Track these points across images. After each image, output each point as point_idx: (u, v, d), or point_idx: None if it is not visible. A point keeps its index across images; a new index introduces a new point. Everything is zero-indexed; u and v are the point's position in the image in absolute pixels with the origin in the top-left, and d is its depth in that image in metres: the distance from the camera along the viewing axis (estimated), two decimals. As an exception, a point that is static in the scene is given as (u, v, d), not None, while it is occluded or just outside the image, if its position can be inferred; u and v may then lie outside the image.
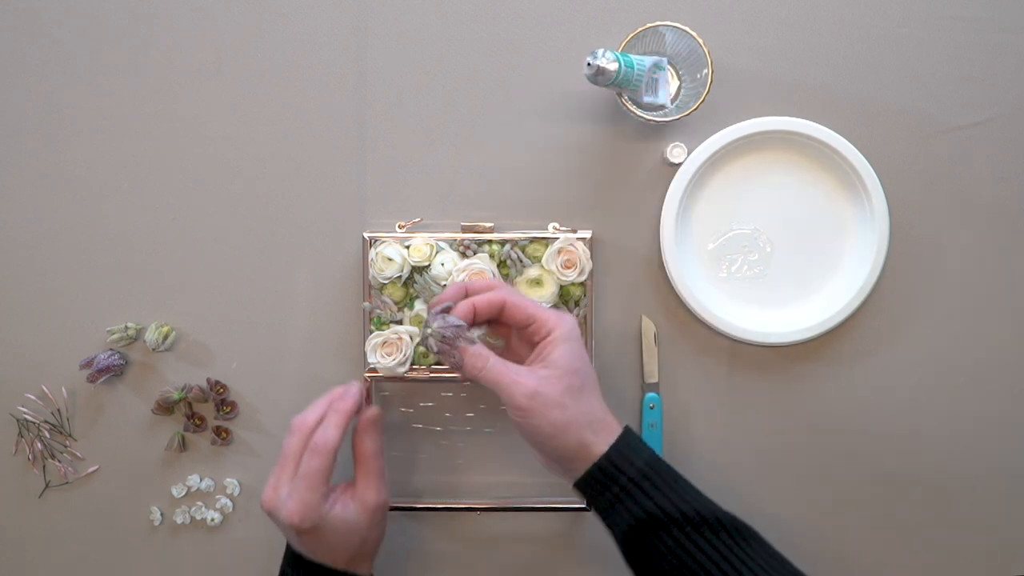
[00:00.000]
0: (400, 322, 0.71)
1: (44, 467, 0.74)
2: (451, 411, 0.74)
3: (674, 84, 0.72)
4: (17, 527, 0.74)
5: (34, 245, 0.74)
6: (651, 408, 0.72)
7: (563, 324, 0.61)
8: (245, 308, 0.74)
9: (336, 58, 0.73)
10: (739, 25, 0.73)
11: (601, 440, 0.59)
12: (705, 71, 0.67)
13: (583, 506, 0.73)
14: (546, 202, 0.73)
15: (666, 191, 0.71)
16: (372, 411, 0.66)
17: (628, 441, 0.60)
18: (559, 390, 0.59)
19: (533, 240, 0.71)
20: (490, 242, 0.71)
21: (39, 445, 0.74)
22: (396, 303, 0.71)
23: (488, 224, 0.71)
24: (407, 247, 0.70)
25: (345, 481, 0.66)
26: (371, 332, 0.71)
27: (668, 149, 0.72)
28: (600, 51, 0.62)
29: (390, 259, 0.70)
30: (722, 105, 0.72)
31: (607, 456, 0.59)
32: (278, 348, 0.72)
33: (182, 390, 0.73)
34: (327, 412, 0.64)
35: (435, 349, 0.61)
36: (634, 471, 0.58)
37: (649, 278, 0.73)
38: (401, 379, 0.71)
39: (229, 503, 0.74)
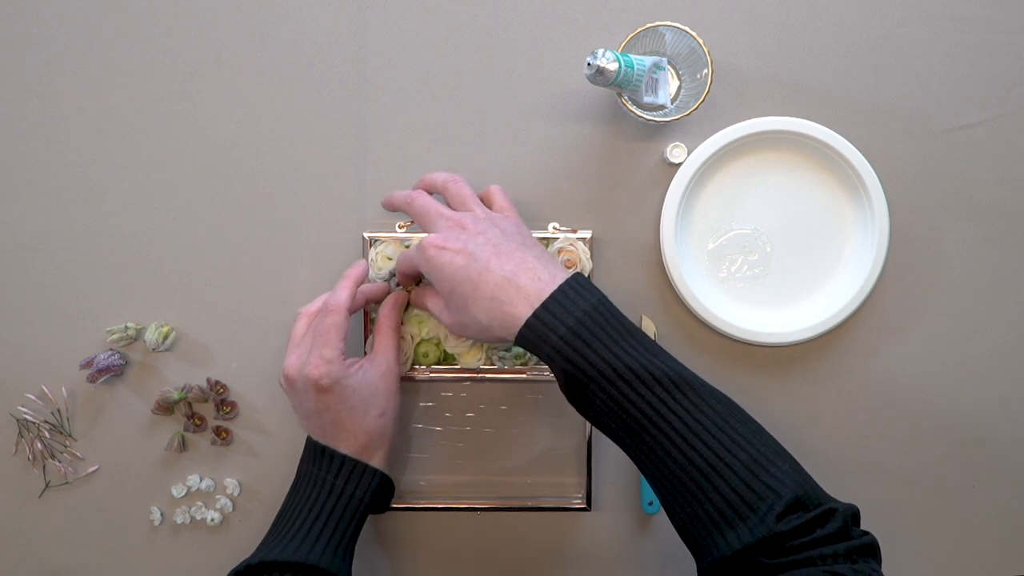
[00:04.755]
0: (401, 324, 0.71)
1: (44, 467, 0.74)
2: (451, 411, 0.74)
3: (674, 84, 0.72)
4: (17, 527, 0.74)
5: (34, 245, 0.74)
6: (651, 408, 0.72)
7: (421, 265, 0.62)
8: (245, 308, 0.74)
9: (336, 58, 0.73)
10: (739, 25, 0.73)
11: (520, 312, 0.58)
12: (705, 71, 0.67)
13: (583, 506, 0.73)
14: (546, 202, 0.73)
15: (666, 191, 0.71)
16: (400, 292, 0.70)
17: (551, 306, 0.58)
18: (452, 320, 0.62)
19: (533, 240, 0.71)
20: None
21: (39, 445, 0.74)
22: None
23: (488, 224, 0.71)
24: (407, 247, 0.70)
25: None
26: (371, 331, 0.71)
27: (668, 149, 0.72)
28: (600, 51, 0.62)
29: (390, 259, 0.71)
30: (722, 105, 0.72)
31: (528, 324, 0.58)
32: (278, 348, 0.71)
33: (182, 390, 0.73)
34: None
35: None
36: (564, 329, 0.57)
37: (649, 278, 0.73)
38: (401, 379, 0.71)
39: (229, 503, 0.74)
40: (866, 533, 0.55)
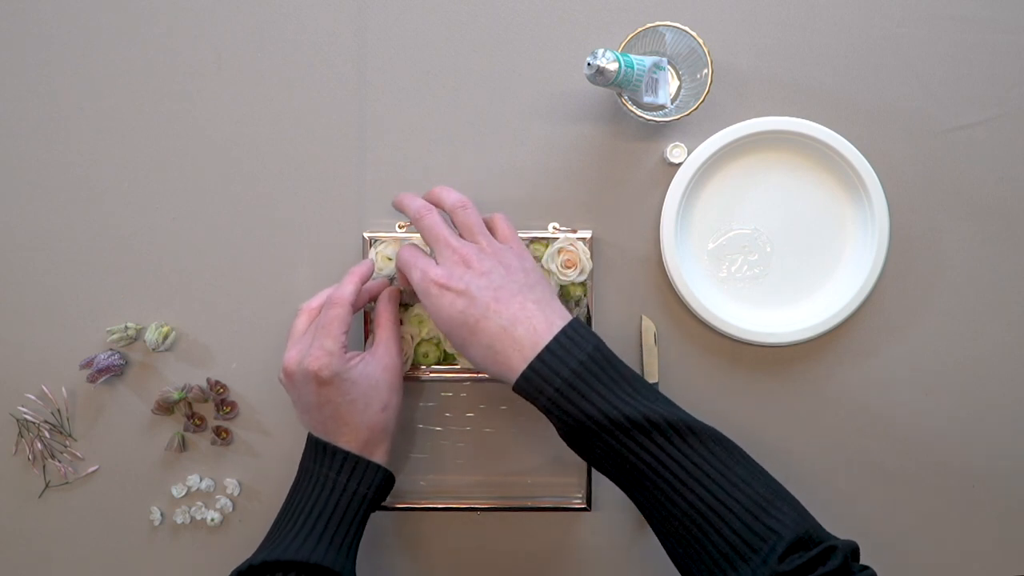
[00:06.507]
0: (400, 322, 0.71)
1: (44, 467, 0.74)
2: (451, 411, 0.74)
3: (674, 84, 0.72)
4: (17, 527, 0.74)
5: (34, 245, 0.74)
6: (651, 408, 0.72)
7: (421, 298, 0.62)
8: (245, 308, 0.74)
9: (336, 58, 0.73)
10: (739, 25, 0.73)
11: (515, 364, 0.59)
12: (705, 71, 0.67)
13: (583, 506, 0.73)
14: (546, 202, 0.73)
15: (666, 191, 0.71)
16: (393, 287, 0.70)
17: (546, 358, 0.58)
18: (457, 345, 0.62)
19: (533, 240, 0.71)
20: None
21: (39, 445, 0.74)
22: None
23: (488, 224, 0.71)
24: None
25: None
26: (371, 329, 0.71)
27: (668, 149, 0.72)
28: (600, 51, 0.62)
29: (390, 259, 0.71)
30: (722, 105, 0.72)
31: (524, 376, 0.59)
32: (278, 348, 0.71)
33: (182, 390, 0.73)
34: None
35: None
36: (560, 381, 0.58)
37: (649, 278, 0.73)
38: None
39: (229, 503, 0.74)
40: (866, 568, 0.56)
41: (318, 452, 0.65)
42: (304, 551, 0.61)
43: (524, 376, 0.59)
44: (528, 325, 0.59)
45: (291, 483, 0.67)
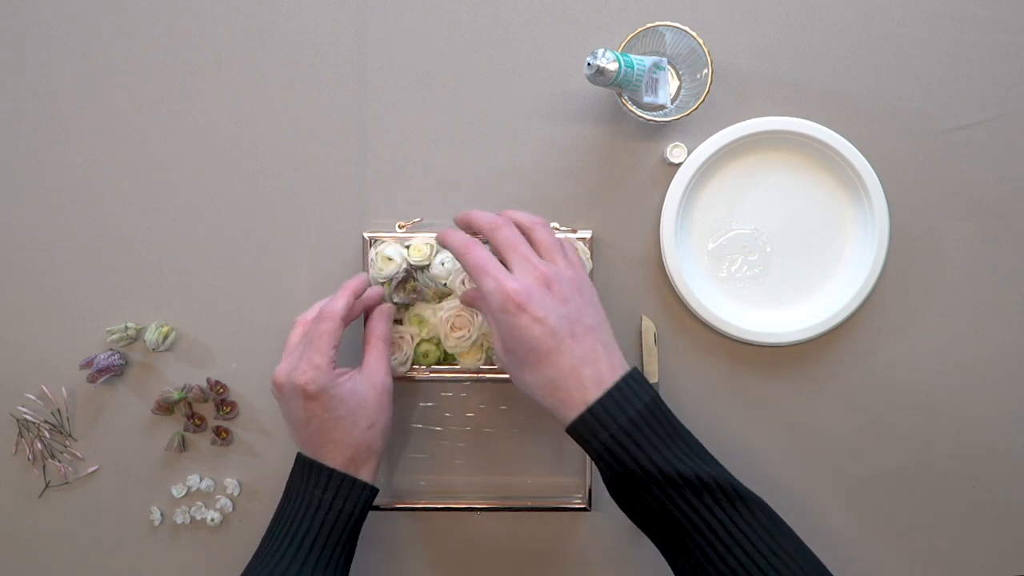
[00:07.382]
0: (400, 321, 0.71)
1: (44, 467, 0.74)
2: (451, 411, 0.74)
3: (674, 84, 0.72)
4: (17, 527, 0.74)
5: (34, 245, 0.74)
6: (651, 408, 0.72)
7: (488, 305, 0.60)
8: (245, 308, 0.74)
9: (336, 58, 0.73)
10: (739, 25, 0.73)
11: (575, 403, 0.58)
12: (705, 71, 0.67)
13: (583, 506, 0.73)
14: (546, 202, 0.73)
15: (666, 191, 0.71)
16: (386, 304, 0.70)
17: (607, 403, 0.58)
18: (510, 369, 0.61)
19: (533, 240, 0.71)
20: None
21: (39, 445, 0.74)
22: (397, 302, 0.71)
23: (488, 224, 0.71)
24: (407, 247, 0.70)
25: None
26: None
27: (668, 149, 0.72)
28: (600, 51, 0.62)
29: (390, 259, 0.71)
30: (722, 105, 0.72)
31: (581, 418, 0.58)
32: (278, 348, 0.71)
33: (182, 390, 0.73)
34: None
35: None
36: (616, 428, 0.57)
37: (649, 278, 0.73)
38: (401, 379, 0.71)
39: (229, 503, 0.74)
40: None
41: (305, 470, 0.64)
42: (291, 571, 0.61)
43: (581, 418, 0.58)
44: (595, 367, 0.59)
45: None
